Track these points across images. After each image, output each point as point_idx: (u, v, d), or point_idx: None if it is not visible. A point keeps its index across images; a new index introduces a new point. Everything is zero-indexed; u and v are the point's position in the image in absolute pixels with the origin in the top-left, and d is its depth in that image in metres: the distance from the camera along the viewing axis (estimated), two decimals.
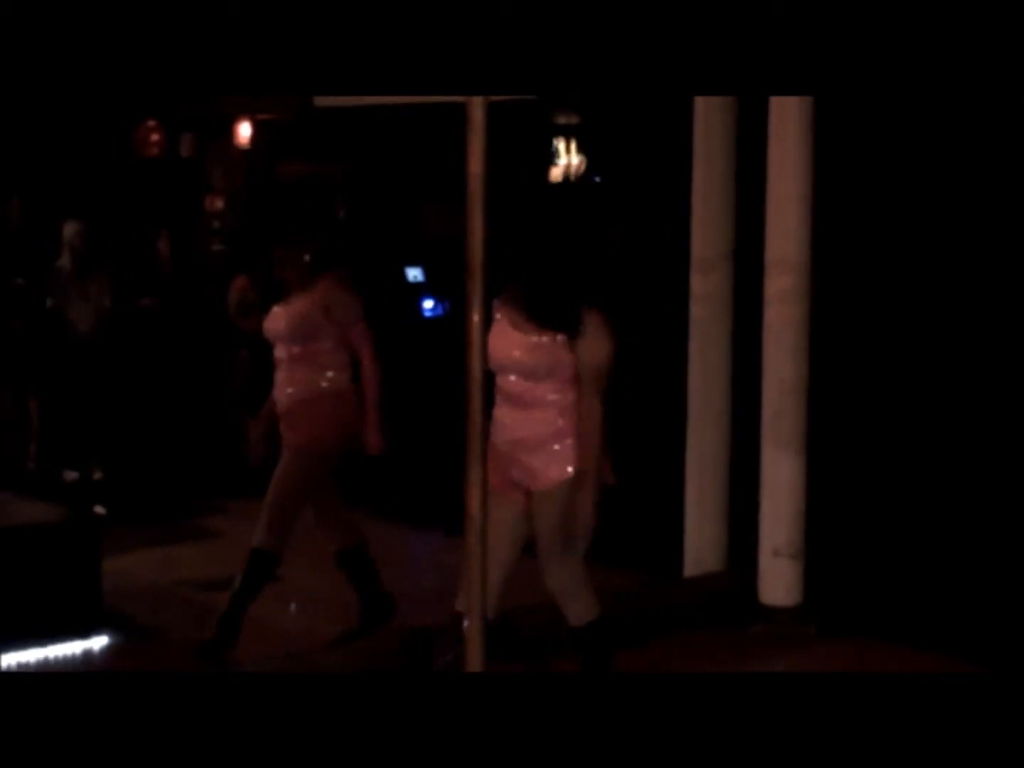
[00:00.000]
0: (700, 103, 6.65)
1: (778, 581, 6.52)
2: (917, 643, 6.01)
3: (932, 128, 6.81)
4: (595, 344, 4.80)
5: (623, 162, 8.51)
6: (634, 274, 7.84)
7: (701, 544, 6.86)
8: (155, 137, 9.29)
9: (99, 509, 7.68)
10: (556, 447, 4.92)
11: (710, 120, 6.67)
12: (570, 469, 4.90)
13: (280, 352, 5.85)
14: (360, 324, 5.84)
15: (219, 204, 9.87)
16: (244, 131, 10.33)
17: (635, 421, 7.59)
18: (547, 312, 4.82)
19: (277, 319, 5.85)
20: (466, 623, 3.45)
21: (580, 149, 9.08)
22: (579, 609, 5.02)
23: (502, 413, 4.92)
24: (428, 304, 9.83)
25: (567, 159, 9.03)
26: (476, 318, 3.08)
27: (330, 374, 5.82)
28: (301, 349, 5.77)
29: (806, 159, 6.28)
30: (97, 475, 8.89)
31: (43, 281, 9.04)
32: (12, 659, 5.70)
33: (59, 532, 6.12)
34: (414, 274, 9.82)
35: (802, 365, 6.38)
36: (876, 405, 7.13)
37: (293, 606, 6.74)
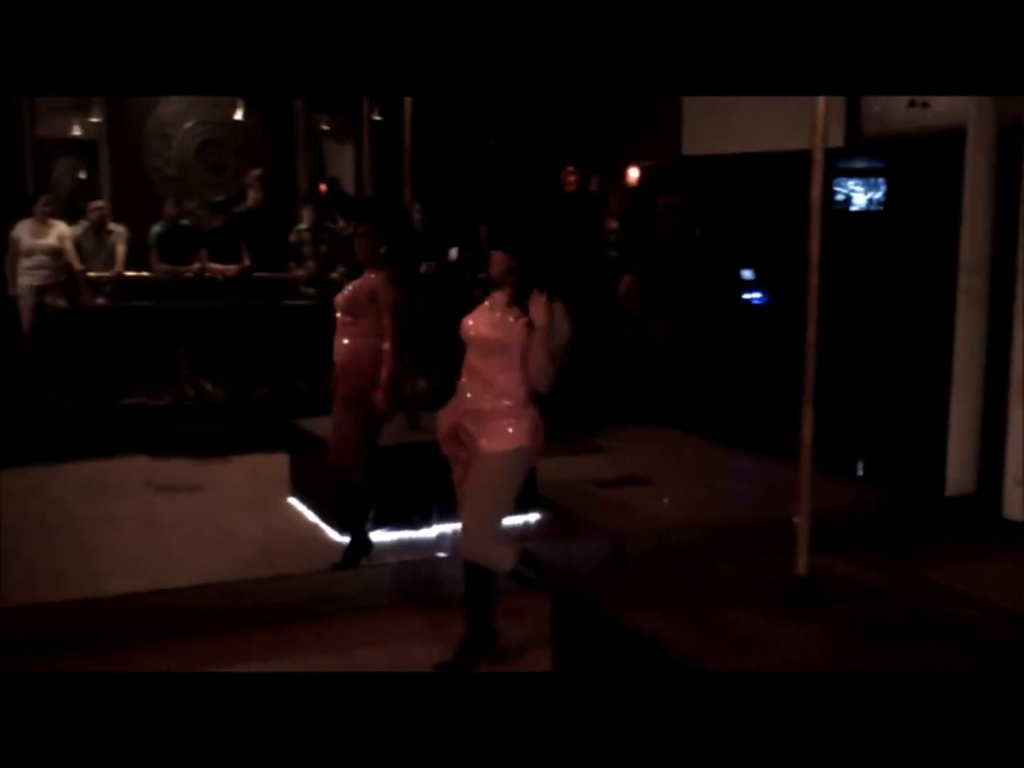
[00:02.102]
0: (970, 148, 6.51)
1: (1017, 503, 6.35)
2: None
3: None
4: (561, 330, 3.97)
5: (910, 196, 8.28)
6: (920, 274, 7.67)
7: (960, 472, 6.68)
8: (572, 178, 9.52)
9: None
10: (496, 422, 4.06)
11: (976, 160, 6.50)
12: (507, 447, 4.05)
13: None
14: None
15: (614, 224, 10.01)
16: (633, 173, 10.56)
17: (914, 380, 7.49)
18: (526, 299, 3.97)
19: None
20: (795, 520, 3.43)
21: (874, 189, 8.89)
22: (498, 556, 4.21)
23: (462, 383, 4.19)
24: (756, 295, 9.85)
25: (865, 197, 8.84)
26: (813, 307, 3.20)
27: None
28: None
29: None
30: None
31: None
32: None
33: None
34: (746, 274, 9.87)
35: None
36: None
37: (666, 500, 6.75)
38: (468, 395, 4.14)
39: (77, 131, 12.17)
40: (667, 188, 10.02)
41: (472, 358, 4.14)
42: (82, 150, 12.49)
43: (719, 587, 3.55)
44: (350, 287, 5.42)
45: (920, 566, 4.99)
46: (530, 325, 3.93)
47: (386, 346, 5.25)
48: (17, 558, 5.47)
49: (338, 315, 5.39)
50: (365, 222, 5.45)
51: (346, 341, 5.35)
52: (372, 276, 5.34)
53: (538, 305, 3.91)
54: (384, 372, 5.23)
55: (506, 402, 4.07)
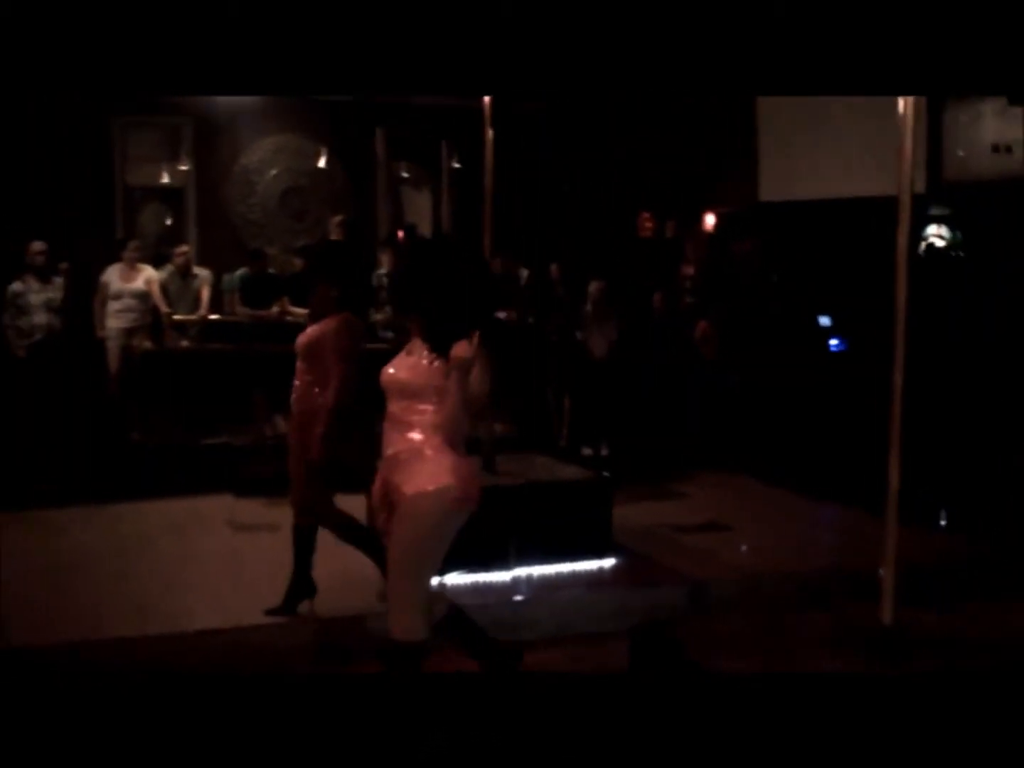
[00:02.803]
0: None
1: None
2: None
3: None
4: (482, 376, 3.75)
5: (992, 240, 8.17)
6: (1001, 319, 7.55)
7: None
8: (649, 224, 9.52)
9: (606, 473, 7.91)
10: (416, 464, 3.75)
11: None
12: (428, 487, 3.71)
13: None
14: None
15: (690, 271, 9.99)
16: (709, 220, 10.52)
17: (996, 427, 7.33)
18: (441, 341, 3.74)
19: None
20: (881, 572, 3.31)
21: (955, 233, 8.80)
22: (404, 623, 3.78)
23: (383, 431, 3.90)
24: (834, 342, 9.77)
25: (946, 242, 8.74)
26: (900, 352, 3.14)
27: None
28: None
29: None
30: (604, 451, 9.11)
31: (575, 319, 9.51)
32: (551, 570, 5.91)
33: (586, 486, 6.32)
34: (824, 321, 9.79)
35: None
36: None
37: (744, 547, 6.64)
38: (387, 446, 3.86)
39: (165, 178, 12.45)
40: (744, 234, 9.97)
41: (390, 405, 3.87)
42: (169, 197, 12.78)
43: (803, 635, 3.47)
44: (307, 332, 5.22)
45: (1008, 618, 4.82)
46: (446, 361, 3.69)
47: (325, 397, 5.01)
48: (103, 592, 5.56)
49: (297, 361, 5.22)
50: (314, 272, 5.31)
51: (298, 385, 5.17)
52: (328, 322, 5.12)
53: (461, 347, 3.69)
54: (319, 425, 4.98)
55: (421, 442, 3.78)
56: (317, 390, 5.07)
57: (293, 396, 5.18)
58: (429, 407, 3.75)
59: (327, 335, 5.06)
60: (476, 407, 3.78)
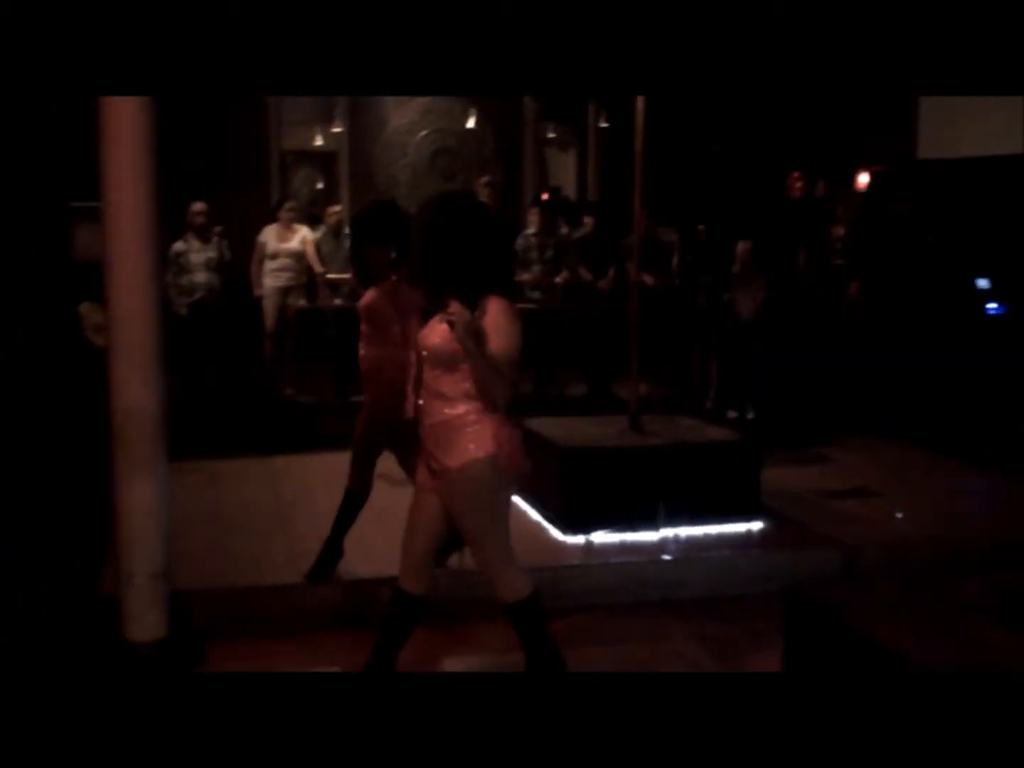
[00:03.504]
0: None
1: None
2: None
3: None
4: (503, 340, 3.58)
5: None
6: None
7: None
8: (799, 184, 9.28)
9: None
10: (455, 433, 3.65)
11: None
12: (473, 456, 3.62)
13: None
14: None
15: (840, 231, 9.73)
16: (863, 179, 10.18)
17: None
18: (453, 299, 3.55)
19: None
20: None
21: None
22: (507, 585, 3.76)
23: (422, 401, 3.78)
24: (992, 305, 9.44)
25: None
26: None
27: None
28: None
29: None
30: (750, 414, 9.01)
31: (723, 280, 9.37)
32: (699, 531, 5.87)
33: (734, 447, 6.24)
34: (982, 283, 9.45)
35: None
36: None
37: (899, 514, 6.46)
38: (426, 415, 3.74)
39: (319, 141, 12.69)
40: (899, 193, 9.65)
41: (426, 374, 3.74)
42: (321, 160, 13.03)
43: (967, 603, 3.36)
44: (366, 296, 5.10)
45: None
46: (451, 325, 3.47)
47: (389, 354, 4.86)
48: (261, 541, 5.77)
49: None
50: (362, 237, 5.12)
51: (362, 346, 5.10)
52: (385, 285, 5.01)
53: (455, 307, 3.49)
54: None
55: (459, 410, 3.65)
56: (383, 351, 4.97)
57: (360, 357, 5.11)
58: (459, 374, 3.63)
59: (382, 298, 4.98)
60: (502, 371, 3.56)
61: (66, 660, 4.29)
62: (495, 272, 3.69)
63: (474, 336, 3.45)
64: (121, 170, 4.15)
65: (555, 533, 5.90)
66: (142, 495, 4.30)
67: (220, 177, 10.31)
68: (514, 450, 3.69)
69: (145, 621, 4.36)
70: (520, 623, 3.82)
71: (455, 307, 3.47)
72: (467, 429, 3.64)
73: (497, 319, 3.57)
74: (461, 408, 3.64)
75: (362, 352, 5.09)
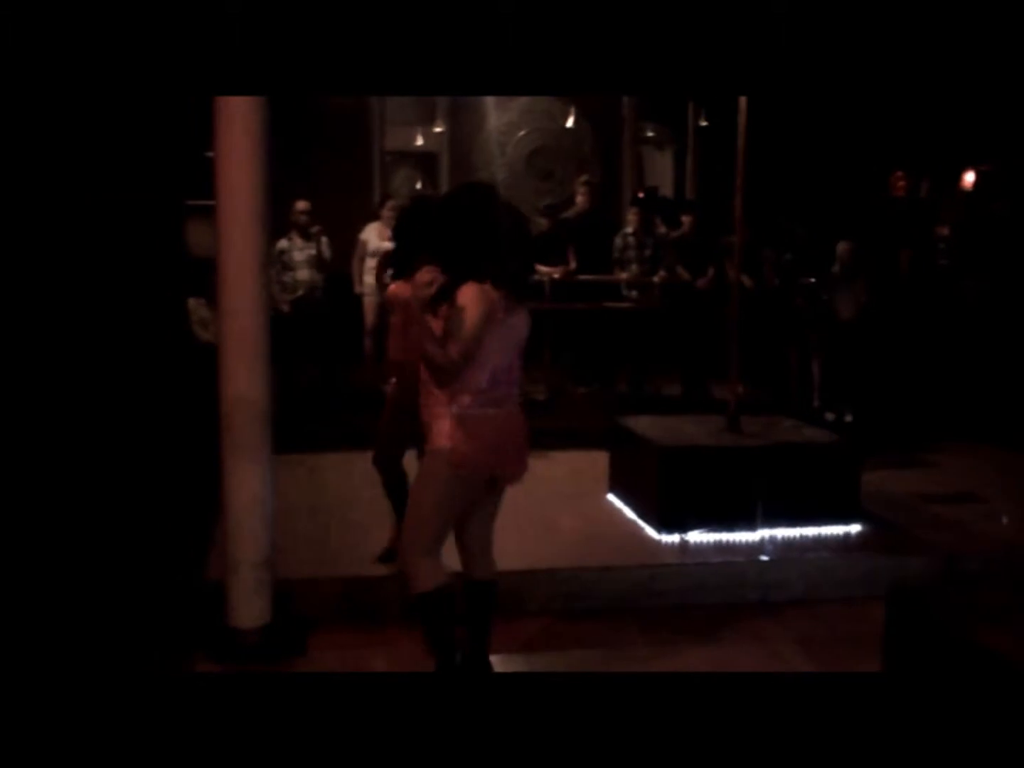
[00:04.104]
0: None
1: None
2: None
3: None
4: (462, 317, 3.59)
5: None
6: None
7: None
8: (901, 183, 9.10)
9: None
10: (432, 422, 3.72)
11: None
12: (434, 444, 3.70)
13: None
14: None
15: (944, 232, 9.51)
16: (969, 177, 9.95)
17: None
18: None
19: None
20: None
21: None
22: (412, 575, 3.76)
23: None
24: None
25: None
26: None
27: None
28: None
29: None
30: (848, 416, 8.84)
31: (823, 281, 9.19)
32: (797, 532, 5.78)
33: (834, 450, 6.10)
34: None
35: None
36: None
37: (1006, 519, 6.28)
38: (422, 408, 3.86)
39: (420, 142, 12.81)
40: (1007, 192, 9.40)
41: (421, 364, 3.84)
42: (421, 160, 13.15)
43: None
44: (392, 288, 5.02)
45: None
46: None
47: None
48: (361, 532, 5.81)
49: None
50: (403, 233, 5.01)
51: (392, 339, 5.07)
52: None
53: (461, 293, 3.60)
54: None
55: (433, 400, 3.73)
56: (407, 343, 4.84)
57: (388, 347, 5.11)
58: None
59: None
60: (444, 345, 3.58)
61: (171, 645, 4.40)
62: (486, 258, 3.69)
63: (421, 301, 3.55)
64: (233, 169, 4.24)
65: (650, 532, 5.87)
66: (249, 482, 4.40)
67: (323, 176, 10.46)
68: (471, 451, 3.68)
69: (249, 608, 4.45)
70: (420, 615, 3.83)
71: (429, 272, 3.59)
72: (437, 419, 3.71)
73: (463, 299, 3.59)
74: (432, 398, 3.72)
75: (391, 342, 5.09)
